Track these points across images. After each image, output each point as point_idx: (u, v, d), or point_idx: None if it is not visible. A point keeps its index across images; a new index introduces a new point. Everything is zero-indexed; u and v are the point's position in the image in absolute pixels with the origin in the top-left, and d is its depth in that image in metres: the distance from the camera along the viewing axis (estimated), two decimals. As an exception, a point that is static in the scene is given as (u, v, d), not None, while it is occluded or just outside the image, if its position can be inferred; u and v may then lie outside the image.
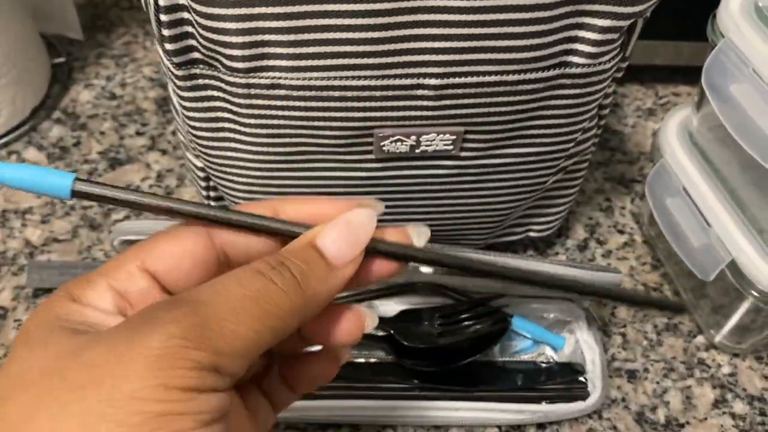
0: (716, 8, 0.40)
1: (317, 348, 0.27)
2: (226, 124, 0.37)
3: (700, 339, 0.46)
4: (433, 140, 0.37)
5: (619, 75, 0.39)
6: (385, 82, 0.34)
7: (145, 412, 0.18)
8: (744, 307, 0.42)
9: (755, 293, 0.39)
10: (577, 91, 0.36)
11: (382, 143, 0.37)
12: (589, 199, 0.53)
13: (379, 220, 0.42)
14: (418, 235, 0.25)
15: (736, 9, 0.38)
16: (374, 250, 0.24)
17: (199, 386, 0.19)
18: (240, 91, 0.35)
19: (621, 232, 0.51)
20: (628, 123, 0.60)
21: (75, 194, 0.21)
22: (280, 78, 0.34)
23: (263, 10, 0.31)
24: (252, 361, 0.20)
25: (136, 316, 0.20)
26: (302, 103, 0.35)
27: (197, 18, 0.32)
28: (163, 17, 0.32)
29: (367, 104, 0.35)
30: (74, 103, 0.59)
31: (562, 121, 0.38)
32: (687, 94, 0.62)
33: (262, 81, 0.34)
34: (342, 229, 0.23)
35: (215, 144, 0.39)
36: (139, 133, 0.57)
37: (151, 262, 0.22)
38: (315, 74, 0.33)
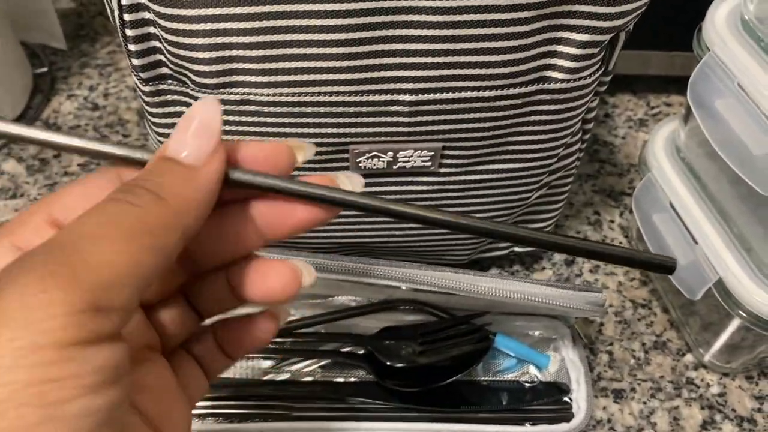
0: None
1: (255, 309, 0.25)
2: None
3: (689, 357, 0.45)
4: (411, 156, 0.36)
5: (602, 89, 0.39)
6: (359, 98, 0.33)
7: (11, 383, 0.14)
8: (733, 325, 0.41)
9: (743, 313, 0.38)
10: (558, 106, 0.35)
11: (357, 159, 0.36)
12: (578, 213, 0.52)
13: (359, 230, 0.41)
14: (350, 182, 0.22)
15: (721, 22, 0.37)
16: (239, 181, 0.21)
17: (79, 336, 0.15)
18: None
19: (609, 246, 0.50)
20: (618, 134, 0.59)
21: None
22: (249, 94, 0.33)
23: (231, 25, 0.30)
24: (141, 293, 0.18)
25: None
26: (274, 119, 0.34)
27: (164, 34, 0.31)
28: (129, 32, 0.32)
29: (342, 120, 0.34)
30: (56, 114, 0.58)
31: (542, 136, 0.37)
32: (679, 105, 0.61)
33: (232, 97, 0.33)
34: (184, 126, 0.20)
35: None
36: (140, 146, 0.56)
37: (58, 212, 0.20)
38: (286, 90, 0.33)
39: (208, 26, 0.30)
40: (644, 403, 0.42)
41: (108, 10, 0.33)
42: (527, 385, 0.42)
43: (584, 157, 0.56)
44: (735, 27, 0.36)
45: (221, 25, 0.30)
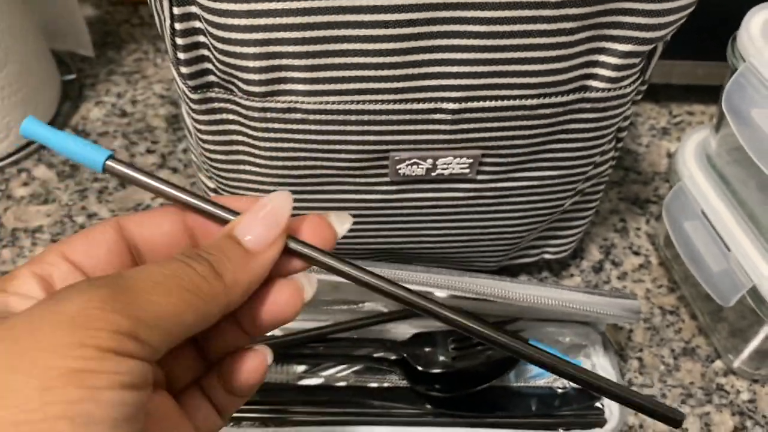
0: (734, 29, 0.39)
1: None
2: (241, 147, 0.37)
3: (718, 364, 0.45)
4: (450, 163, 0.37)
5: (639, 98, 0.39)
6: (403, 106, 0.33)
7: (58, 367, 0.18)
8: (763, 331, 0.41)
9: (777, 320, 0.38)
10: (597, 115, 0.36)
11: (397, 166, 0.37)
12: (604, 220, 0.53)
13: (391, 236, 0.41)
14: (340, 223, 0.24)
15: (756, 32, 0.37)
16: (293, 251, 0.24)
17: (116, 348, 0.18)
18: (256, 114, 0.34)
19: (636, 253, 0.51)
20: (642, 142, 0.59)
21: (106, 169, 0.23)
22: (296, 102, 0.33)
23: (281, 35, 0.31)
24: (174, 341, 0.20)
25: (57, 290, 0.21)
26: (318, 127, 0.34)
27: (214, 42, 0.31)
28: (179, 41, 0.32)
29: (384, 128, 0.34)
30: (84, 121, 0.59)
31: (580, 144, 0.37)
32: (701, 113, 0.62)
33: (279, 105, 0.33)
34: (257, 213, 0.23)
35: (229, 166, 0.38)
36: (149, 151, 0.56)
37: (69, 252, 0.23)
38: (332, 98, 0.33)
39: (258, 36, 0.31)
40: (675, 409, 0.43)
41: (157, 20, 0.33)
42: (559, 390, 0.42)
43: (609, 164, 0.57)
44: (771, 37, 0.37)
45: (271, 35, 0.31)
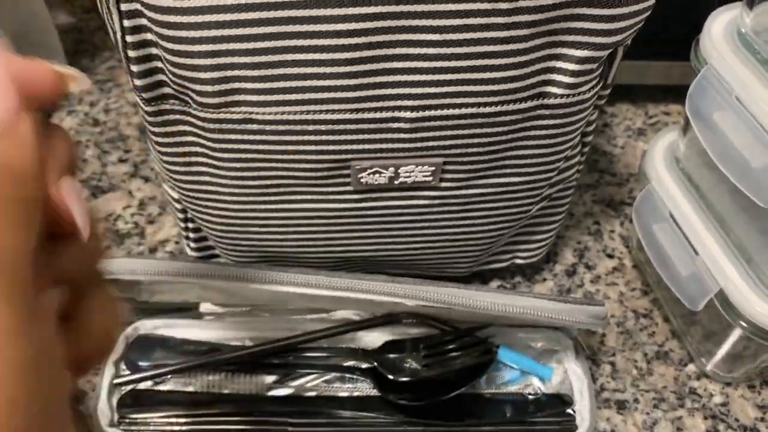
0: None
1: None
2: (200, 158, 0.37)
3: (691, 367, 0.45)
4: (412, 171, 0.37)
5: (601, 102, 0.39)
6: (360, 115, 0.33)
7: None
8: (735, 335, 0.41)
9: (744, 324, 0.38)
10: (557, 121, 0.36)
11: (359, 175, 0.36)
12: (578, 223, 0.53)
13: (361, 252, 0.41)
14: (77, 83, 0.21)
15: (718, 35, 0.37)
16: None
17: None
18: (212, 126, 0.34)
19: (610, 256, 0.51)
20: (617, 143, 0.59)
21: None
22: (251, 113, 0.33)
23: (231, 46, 0.30)
24: None
25: None
26: (276, 137, 0.34)
27: (165, 54, 0.31)
28: (131, 53, 0.32)
29: (343, 137, 0.34)
30: (57, 130, 0.58)
31: (542, 150, 0.37)
32: (677, 113, 0.62)
33: (234, 116, 0.33)
34: None
35: (189, 177, 0.38)
36: (121, 160, 0.56)
37: None
38: (287, 108, 0.33)
39: (209, 47, 0.30)
40: (647, 413, 0.42)
41: (110, 31, 0.33)
42: (530, 397, 0.42)
43: (584, 167, 0.57)
44: (732, 40, 0.36)
45: (221, 46, 0.30)
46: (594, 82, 0.35)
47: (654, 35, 0.55)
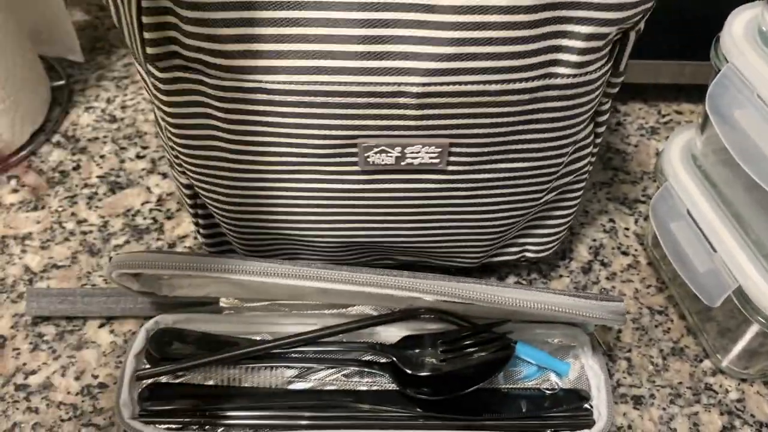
0: (718, 30, 0.39)
1: None
2: (211, 131, 0.37)
3: (706, 363, 0.45)
4: (419, 152, 0.37)
5: (613, 90, 0.39)
6: (367, 88, 0.34)
7: None
8: (751, 331, 0.42)
9: (762, 320, 0.38)
10: (565, 103, 0.36)
11: (366, 154, 0.37)
12: (593, 220, 0.53)
13: (367, 235, 0.41)
14: None
15: (739, 33, 0.37)
16: None
17: None
18: (223, 94, 0.35)
19: (625, 253, 0.51)
20: (630, 142, 0.59)
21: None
22: (261, 81, 0.34)
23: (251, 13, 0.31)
24: None
25: None
26: (284, 109, 0.35)
27: (182, 11, 0.32)
28: (146, 19, 0.32)
29: (350, 111, 0.35)
30: (74, 127, 0.59)
31: (550, 135, 0.37)
32: (690, 112, 0.62)
33: (245, 84, 0.34)
34: None
35: (200, 152, 0.38)
36: (139, 156, 0.56)
37: None
38: (295, 77, 0.33)
39: (230, 15, 0.31)
40: (664, 409, 0.43)
41: (113, 7, 0.34)
42: (548, 392, 0.43)
43: (598, 164, 0.57)
44: (753, 38, 0.37)
45: (243, 14, 0.31)
46: (602, 63, 0.35)
47: (666, 34, 0.56)
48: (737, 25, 0.38)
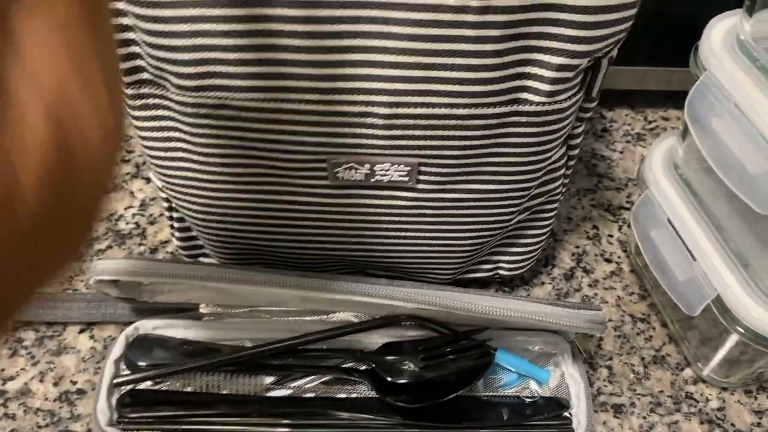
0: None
1: None
2: (179, 144, 0.37)
3: (688, 372, 0.45)
4: (388, 170, 0.37)
5: (586, 115, 0.39)
6: (334, 108, 0.33)
7: None
8: (732, 340, 0.41)
9: (741, 329, 0.38)
10: (535, 129, 0.36)
11: (335, 169, 0.37)
12: (576, 227, 0.53)
13: (339, 250, 0.41)
14: None
15: (717, 42, 0.37)
16: None
17: None
18: (189, 110, 0.35)
19: (608, 260, 0.51)
20: (616, 148, 0.59)
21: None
22: (227, 98, 0.33)
23: (210, 26, 0.31)
24: None
25: None
26: (252, 125, 0.35)
27: (144, 36, 0.32)
28: None
29: (318, 129, 0.35)
30: (59, 130, 0.58)
31: (520, 159, 0.37)
32: (677, 119, 0.62)
33: (210, 101, 0.34)
34: None
35: (170, 163, 0.39)
36: (124, 161, 0.56)
37: None
38: (261, 95, 0.33)
39: (188, 27, 0.31)
40: (644, 417, 0.43)
41: None
42: (528, 400, 0.43)
43: (582, 171, 0.57)
44: (731, 47, 0.37)
45: (201, 26, 0.31)
46: (572, 92, 0.35)
47: (653, 41, 0.56)
48: (716, 34, 0.38)
